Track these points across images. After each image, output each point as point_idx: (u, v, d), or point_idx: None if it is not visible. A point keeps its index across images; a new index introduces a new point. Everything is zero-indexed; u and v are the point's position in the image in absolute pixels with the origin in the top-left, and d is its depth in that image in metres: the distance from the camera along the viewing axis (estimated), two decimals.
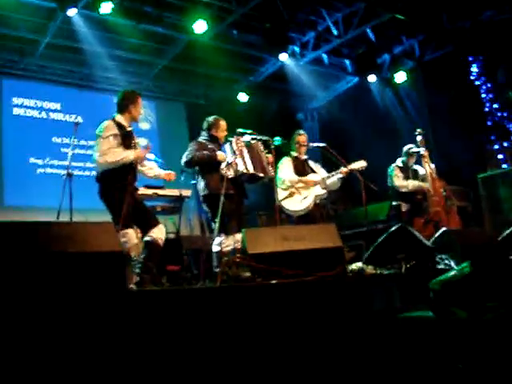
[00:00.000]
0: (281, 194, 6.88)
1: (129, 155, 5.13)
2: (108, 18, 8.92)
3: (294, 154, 7.15)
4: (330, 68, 11.89)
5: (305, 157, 7.21)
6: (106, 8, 8.45)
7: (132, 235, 4.96)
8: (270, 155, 6.26)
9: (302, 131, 7.36)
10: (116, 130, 5.15)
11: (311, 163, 7.26)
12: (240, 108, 12.16)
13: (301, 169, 7.07)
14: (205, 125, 6.34)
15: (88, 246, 3.52)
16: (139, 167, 5.38)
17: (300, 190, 6.92)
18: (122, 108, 5.32)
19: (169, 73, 11.58)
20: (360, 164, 6.88)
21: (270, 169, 6.22)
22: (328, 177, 7.00)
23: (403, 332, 3.52)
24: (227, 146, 6.10)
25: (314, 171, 7.14)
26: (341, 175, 6.95)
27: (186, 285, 5.76)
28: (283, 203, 6.88)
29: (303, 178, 6.98)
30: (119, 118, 5.26)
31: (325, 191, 7.03)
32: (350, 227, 8.32)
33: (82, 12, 8.71)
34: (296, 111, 13.75)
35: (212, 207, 5.91)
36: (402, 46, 11.34)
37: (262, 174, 6.11)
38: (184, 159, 6.07)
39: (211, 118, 6.34)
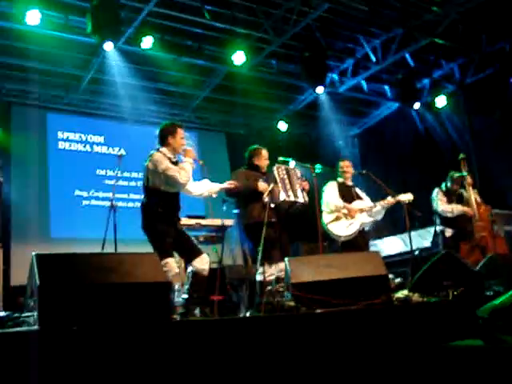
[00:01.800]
0: (327, 217, 6.88)
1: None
2: (149, 53, 9.12)
3: (340, 179, 7.13)
4: (369, 94, 11.87)
5: (351, 183, 7.18)
6: (147, 43, 8.66)
7: (173, 265, 4.99)
8: (305, 182, 6.24)
9: (344, 158, 7.34)
10: (167, 159, 5.24)
11: (358, 190, 7.22)
12: (280, 137, 12.24)
13: (347, 195, 7.03)
14: (247, 154, 6.40)
15: (133, 276, 3.56)
16: (187, 186, 5.41)
17: (347, 215, 6.87)
18: (162, 141, 5.41)
19: (209, 104, 11.75)
20: (407, 197, 6.85)
21: (304, 195, 6.18)
22: (375, 205, 6.95)
23: (452, 361, 3.43)
24: (271, 175, 6.11)
25: (360, 198, 7.10)
26: (387, 205, 6.91)
27: (229, 315, 5.75)
28: (329, 226, 6.85)
29: (348, 206, 6.93)
30: (162, 149, 5.35)
31: (371, 219, 6.98)
32: (395, 254, 8.23)
33: (123, 47, 8.94)
34: (336, 138, 13.73)
35: (254, 236, 5.91)
36: (442, 69, 11.26)
37: (300, 200, 6.09)
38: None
39: (252, 148, 6.40)
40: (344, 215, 6.88)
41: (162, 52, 9.18)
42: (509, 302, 3.42)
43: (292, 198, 5.99)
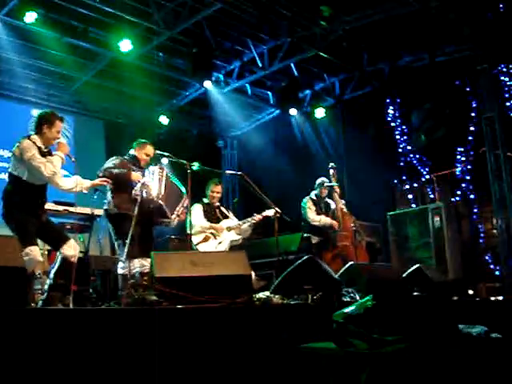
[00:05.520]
0: (195, 238, 6.89)
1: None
2: (31, 28, 8.73)
3: (206, 200, 7.23)
4: (252, 98, 12.08)
5: (217, 204, 7.30)
6: (29, 18, 8.29)
7: (36, 252, 4.81)
8: (183, 214, 6.15)
9: (218, 182, 7.35)
10: (36, 148, 5.01)
11: (223, 210, 7.36)
12: (161, 130, 12.11)
13: (212, 215, 7.14)
14: (133, 145, 6.24)
15: None
16: (56, 180, 5.20)
17: (215, 234, 6.97)
18: (37, 128, 5.18)
19: (90, 89, 11.36)
20: (271, 212, 6.93)
21: (178, 215, 6.12)
22: (243, 223, 7.12)
23: (306, 363, 3.55)
24: (149, 170, 5.98)
25: (226, 217, 7.21)
26: (254, 222, 7.07)
27: (90, 305, 5.61)
28: (198, 247, 6.87)
29: (214, 225, 7.05)
30: (34, 137, 5.11)
31: (240, 237, 7.13)
32: (262, 256, 8.37)
33: (4, 19, 8.51)
34: (216, 138, 13.83)
35: (116, 226, 5.83)
36: (323, 82, 11.69)
37: (169, 214, 6.00)
38: (99, 172, 5.90)
39: (140, 141, 6.25)
40: (212, 235, 6.98)
41: (46, 29, 8.82)
42: (362, 309, 3.59)
43: (162, 202, 5.88)
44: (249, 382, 3.75)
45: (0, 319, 3.03)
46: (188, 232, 6.38)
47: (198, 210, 7.10)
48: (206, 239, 6.95)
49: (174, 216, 6.01)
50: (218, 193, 7.26)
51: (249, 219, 7.13)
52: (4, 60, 9.66)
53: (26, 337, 3.05)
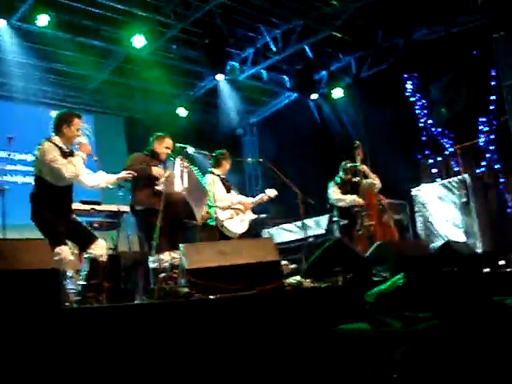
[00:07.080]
0: (222, 214, 6.68)
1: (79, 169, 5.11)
2: (44, 31, 8.78)
3: (219, 171, 6.93)
4: (268, 84, 12.04)
5: (224, 176, 7.06)
6: (42, 21, 8.35)
7: (67, 252, 4.87)
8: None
9: (227, 153, 7.08)
10: (56, 150, 5.06)
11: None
12: (179, 123, 12.14)
13: (227, 188, 6.92)
14: (150, 139, 6.24)
15: (19, 263, 3.43)
16: (81, 179, 5.26)
17: (239, 211, 6.83)
18: (56, 129, 5.21)
19: (108, 87, 11.43)
20: (272, 192, 6.96)
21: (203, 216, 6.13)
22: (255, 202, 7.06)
23: (340, 344, 3.56)
24: (170, 163, 5.99)
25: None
26: (261, 202, 7.02)
27: (123, 301, 5.67)
28: (226, 224, 6.67)
29: (243, 201, 6.92)
30: (54, 138, 5.15)
31: (256, 216, 7.06)
32: (290, 241, 8.38)
33: (16, 24, 8.56)
34: (236, 126, 13.82)
35: (142, 222, 5.87)
36: (339, 62, 11.60)
37: (194, 214, 5.99)
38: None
39: (157, 134, 6.24)
40: (236, 212, 6.80)
41: (59, 31, 8.88)
42: (393, 287, 3.58)
43: (187, 196, 5.86)
44: (284, 365, 3.76)
45: (34, 321, 3.08)
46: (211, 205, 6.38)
47: (217, 182, 6.79)
48: (232, 215, 6.75)
49: (199, 218, 6.01)
50: (230, 164, 7.02)
51: (256, 199, 7.06)
52: (19, 65, 9.73)
53: (61, 337, 3.09)
